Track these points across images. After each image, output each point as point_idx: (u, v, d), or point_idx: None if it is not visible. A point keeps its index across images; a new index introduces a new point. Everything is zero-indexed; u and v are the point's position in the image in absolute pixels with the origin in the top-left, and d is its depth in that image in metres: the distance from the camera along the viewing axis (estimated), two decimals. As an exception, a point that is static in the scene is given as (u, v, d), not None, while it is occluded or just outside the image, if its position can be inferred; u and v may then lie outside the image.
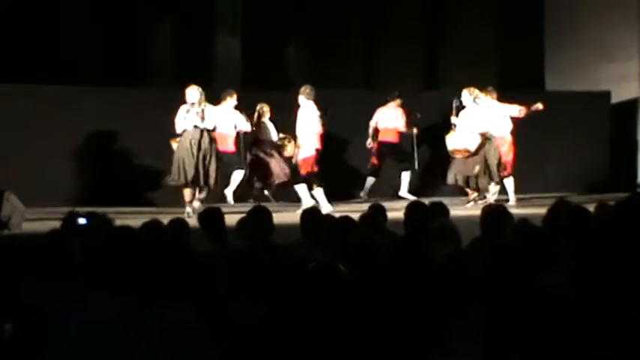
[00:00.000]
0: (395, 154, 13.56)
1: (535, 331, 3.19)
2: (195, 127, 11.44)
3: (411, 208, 6.44)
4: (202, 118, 11.43)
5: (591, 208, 6.04)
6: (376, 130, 13.47)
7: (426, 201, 7.23)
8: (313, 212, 6.65)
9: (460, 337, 3.54)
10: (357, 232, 5.28)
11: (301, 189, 12.01)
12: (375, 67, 15.26)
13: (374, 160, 13.53)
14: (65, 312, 3.92)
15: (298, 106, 11.96)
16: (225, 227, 6.21)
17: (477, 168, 12.45)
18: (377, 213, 6.57)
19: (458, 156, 12.47)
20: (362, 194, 13.41)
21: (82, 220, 6.06)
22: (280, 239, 6.05)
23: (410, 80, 14.83)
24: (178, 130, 11.55)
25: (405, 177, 13.50)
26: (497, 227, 5.48)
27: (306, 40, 15.45)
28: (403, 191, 13.41)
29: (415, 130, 13.40)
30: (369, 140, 13.46)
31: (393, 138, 13.51)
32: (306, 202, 11.68)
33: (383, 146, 13.46)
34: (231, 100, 12.40)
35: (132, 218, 8.31)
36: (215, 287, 4.18)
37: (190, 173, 11.39)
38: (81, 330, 3.82)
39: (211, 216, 6.31)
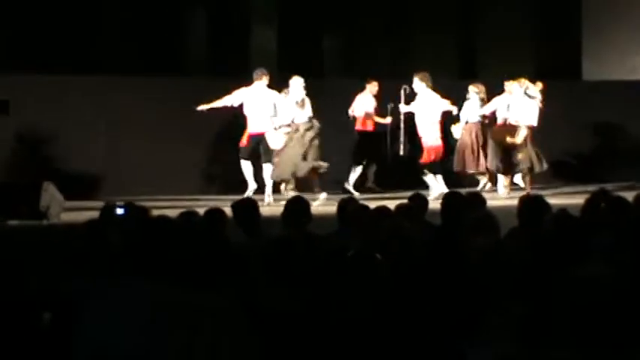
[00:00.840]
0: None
1: (572, 322, 3.15)
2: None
3: (448, 198, 6.39)
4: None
5: (630, 198, 5.98)
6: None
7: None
8: (350, 202, 6.60)
9: (495, 330, 3.50)
10: (391, 222, 5.25)
11: (429, 178, 12.11)
12: (411, 57, 15.17)
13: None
14: (102, 301, 3.93)
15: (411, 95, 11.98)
16: (259, 219, 6.19)
17: (521, 157, 12.44)
18: (415, 203, 6.52)
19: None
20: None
21: (119, 211, 6.08)
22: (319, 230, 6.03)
23: (446, 69, 14.69)
24: (287, 121, 11.62)
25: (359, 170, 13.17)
26: (536, 217, 5.41)
27: (341, 30, 15.40)
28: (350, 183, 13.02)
29: (389, 119, 13.12)
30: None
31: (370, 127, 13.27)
32: (436, 190, 11.78)
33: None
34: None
35: (170, 208, 8.34)
36: (252, 276, 4.17)
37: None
38: (117, 319, 3.82)
39: (245, 207, 6.30)
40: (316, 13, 15.15)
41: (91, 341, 3.86)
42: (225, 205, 6.64)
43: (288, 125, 11.91)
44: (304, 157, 11.72)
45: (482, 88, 12.75)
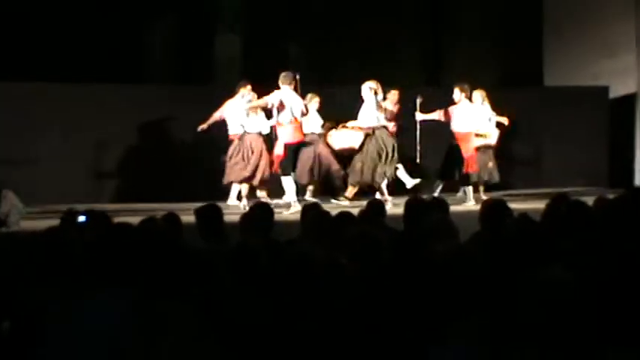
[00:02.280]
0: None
1: (536, 323, 3.16)
2: None
3: (410, 203, 6.40)
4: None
5: (590, 202, 6.01)
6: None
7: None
8: (313, 208, 6.59)
9: (460, 333, 3.51)
10: (357, 228, 5.25)
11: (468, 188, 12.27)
12: (374, 64, 15.20)
13: None
14: (63, 310, 3.89)
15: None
16: (222, 225, 6.16)
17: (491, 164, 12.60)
18: (375, 209, 6.53)
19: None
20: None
21: (81, 218, 6.03)
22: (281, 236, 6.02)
23: (409, 77, 14.76)
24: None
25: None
26: (497, 222, 5.44)
27: (306, 37, 15.41)
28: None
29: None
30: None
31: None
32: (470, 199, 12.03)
33: None
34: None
35: (130, 213, 8.28)
36: (215, 284, 4.14)
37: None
38: (79, 328, 3.78)
39: (209, 213, 6.26)
40: (282, 20, 15.15)
41: (53, 351, 3.82)
42: (183, 212, 6.60)
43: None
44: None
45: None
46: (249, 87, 12.10)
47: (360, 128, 12.02)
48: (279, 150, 11.49)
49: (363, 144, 11.98)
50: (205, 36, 14.88)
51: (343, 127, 12.29)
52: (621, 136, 15.19)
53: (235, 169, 12.03)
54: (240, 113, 12.10)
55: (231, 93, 12.20)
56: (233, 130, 12.17)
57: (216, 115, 12.16)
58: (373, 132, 11.98)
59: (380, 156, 11.97)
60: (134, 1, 14.43)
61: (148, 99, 13.21)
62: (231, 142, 12.19)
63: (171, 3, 14.82)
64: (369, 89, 11.94)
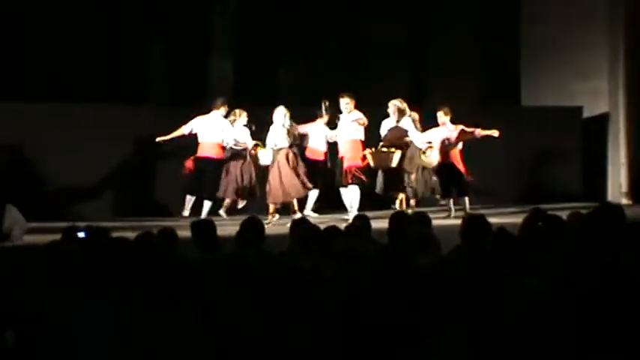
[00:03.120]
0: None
1: (515, 334, 3.18)
2: None
3: (395, 218, 6.44)
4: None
5: (565, 216, 6.06)
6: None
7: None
8: (302, 222, 6.64)
9: (445, 342, 3.53)
10: (345, 241, 5.28)
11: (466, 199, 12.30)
12: (364, 86, 15.24)
13: None
14: (64, 320, 3.90)
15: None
16: (216, 238, 6.19)
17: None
18: (362, 223, 6.56)
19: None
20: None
21: (81, 234, 6.04)
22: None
23: (397, 95, 14.70)
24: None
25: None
26: (477, 236, 5.47)
27: (298, 61, 15.44)
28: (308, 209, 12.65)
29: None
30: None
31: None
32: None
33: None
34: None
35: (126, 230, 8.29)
36: (210, 295, 4.15)
37: None
38: (79, 338, 3.79)
39: (204, 227, 6.28)
40: (274, 44, 15.18)
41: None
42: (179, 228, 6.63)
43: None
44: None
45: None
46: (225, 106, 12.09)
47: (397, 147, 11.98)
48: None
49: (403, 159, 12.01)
50: (198, 59, 14.89)
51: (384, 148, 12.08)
52: (594, 153, 15.29)
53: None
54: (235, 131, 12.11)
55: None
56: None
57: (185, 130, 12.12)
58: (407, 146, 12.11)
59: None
60: (126, 22, 14.40)
61: (138, 119, 13.19)
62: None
63: (164, 26, 14.81)
64: (397, 108, 12.00)
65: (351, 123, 11.90)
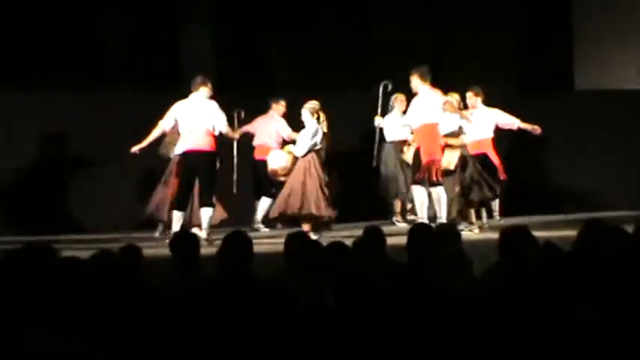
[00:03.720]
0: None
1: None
2: None
3: (415, 231, 6.39)
4: None
5: (630, 229, 6.03)
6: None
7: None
8: (299, 237, 6.52)
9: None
10: (350, 262, 5.24)
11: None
12: (364, 68, 15.26)
13: None
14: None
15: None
16: (197, 256, 6.13)
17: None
18: (373, 238, 6.48)
19: None
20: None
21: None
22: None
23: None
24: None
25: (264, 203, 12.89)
26: (518, 252, 5.44)
27: (284, 40, 15.47)
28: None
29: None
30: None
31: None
32: None
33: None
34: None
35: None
36: (177, 326, 4.13)
37: None
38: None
39: (181, 242, 6.23)
40: (258, 20, 15.23)
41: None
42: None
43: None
44: None
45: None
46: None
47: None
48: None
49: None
50: (173, 37, 14.94)
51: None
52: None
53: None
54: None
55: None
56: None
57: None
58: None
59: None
60: (97, 2, 14.48)
61: (107, 107, 13.29)
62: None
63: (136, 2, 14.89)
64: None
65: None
